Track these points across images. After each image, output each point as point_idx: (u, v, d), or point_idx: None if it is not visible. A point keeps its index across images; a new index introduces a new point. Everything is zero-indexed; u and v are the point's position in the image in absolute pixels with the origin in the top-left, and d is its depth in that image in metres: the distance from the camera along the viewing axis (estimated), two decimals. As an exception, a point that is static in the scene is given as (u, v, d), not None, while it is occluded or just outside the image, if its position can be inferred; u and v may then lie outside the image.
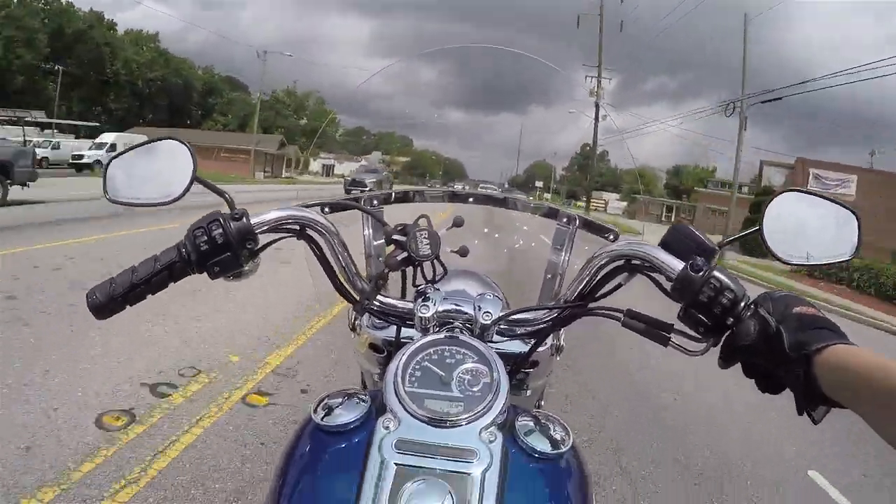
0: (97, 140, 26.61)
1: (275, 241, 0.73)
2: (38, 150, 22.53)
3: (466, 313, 0.75)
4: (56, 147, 25.21)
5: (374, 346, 0.93)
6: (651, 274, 0.68)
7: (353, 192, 1.47)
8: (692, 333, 0.63)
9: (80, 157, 24.15)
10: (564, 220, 0.97)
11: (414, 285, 0.79)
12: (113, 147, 25.08)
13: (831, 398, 0.53)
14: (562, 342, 0.96)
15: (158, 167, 0.73)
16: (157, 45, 49.24)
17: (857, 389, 0.50)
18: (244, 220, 0.66)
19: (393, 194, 0.98)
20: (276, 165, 39.35)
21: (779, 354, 0.56)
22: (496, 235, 1.19)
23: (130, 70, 44.95)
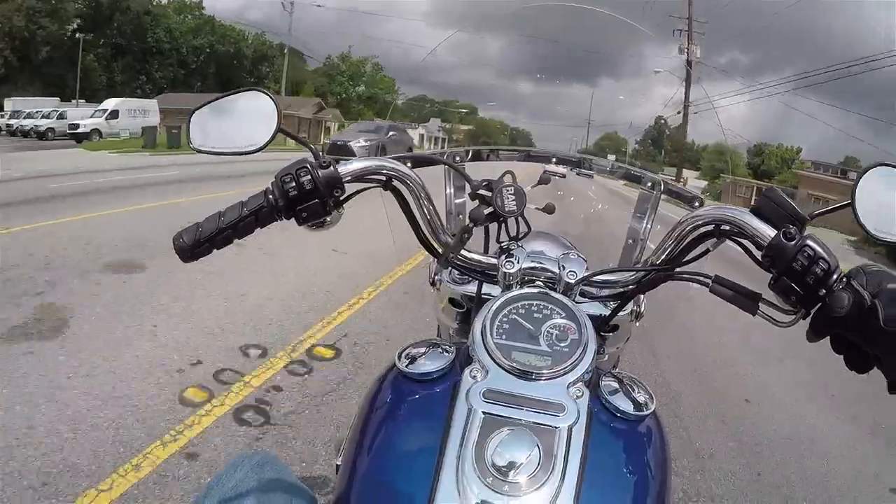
0: (99, 107, 24.86)
1: (361, 190, 0.73)
2: (44, 121, 22.79)
3: (550, 271, 0.75)
4: (62, 116, 23.83)
5: (453, 301, 0.93)
6: (741, 240, 0.67)
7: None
8: (781, 304, 0.62)
9: (76, 126, 22.41)
10: (649, 184, 0.95)
11: (497, 241, 0.78)
12: (114, 114, 23.69)
13: None
14: (642, 308, 0.95)
15: (242, 117, 0.74)
16: (202, 13, 48.41)
17: None
18: (332, 167, 0.68)
19: (470, 152, 0.97)
20: (313, 131, 38.51)
21: (873, 329, 0.54)
22: (571, 199, 1.17)
23: (174, 38, 44.63)
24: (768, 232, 0.62)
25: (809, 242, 0.59)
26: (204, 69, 47.46)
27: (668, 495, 0.62)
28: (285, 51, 40.91)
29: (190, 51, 46.28)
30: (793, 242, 0.59)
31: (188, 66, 46.94)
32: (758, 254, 0.63)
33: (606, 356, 0.95)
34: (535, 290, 0.69)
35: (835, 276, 0.58)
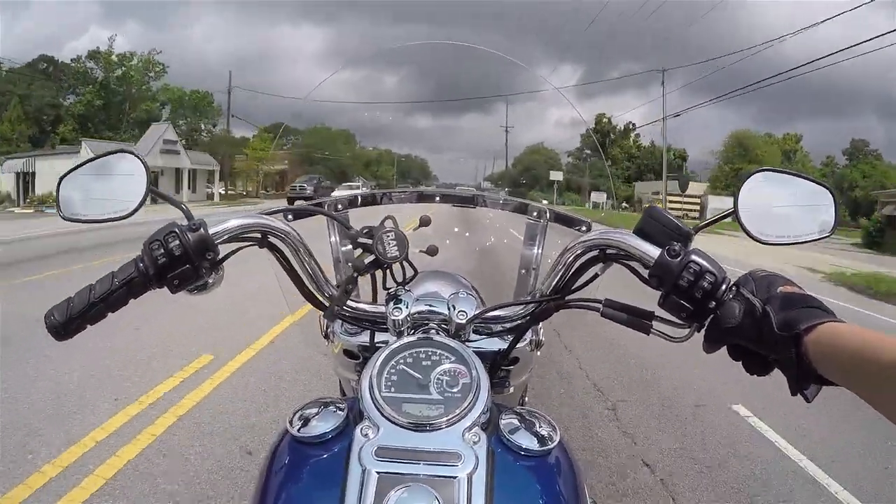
0: None
1: (236, 250, 0.71)
2: None
3: (441, 313, 0.74)
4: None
5: (349, 353, 0.91)
6: (628, 262, 0.67)
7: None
8: (674, 319, 0.62)
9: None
10: (535, 213, 0.96)
11: (385, 288, 0.77)
12: None
13: (824, 377, 0.52)
14: (541, 337, 0.95)
15: (112, 181, 0.71)
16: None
17: (849, 367, 0.49)
18: (202, 230, 0.64)
19: (360, 197, 0.95)
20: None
21: (767, 335, 0.55)
22: (467, 234, 1.17)
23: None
24: (653, 251, 0.62)
25: (694, 257, 0.59)
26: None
27: None
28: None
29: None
30: (677, 259, 0.59)
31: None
32: (646, 273, 0.63)
33: (512, 389, 0.94)
34: (417, 338, 0.67)
35: (724, 287, 0.59)
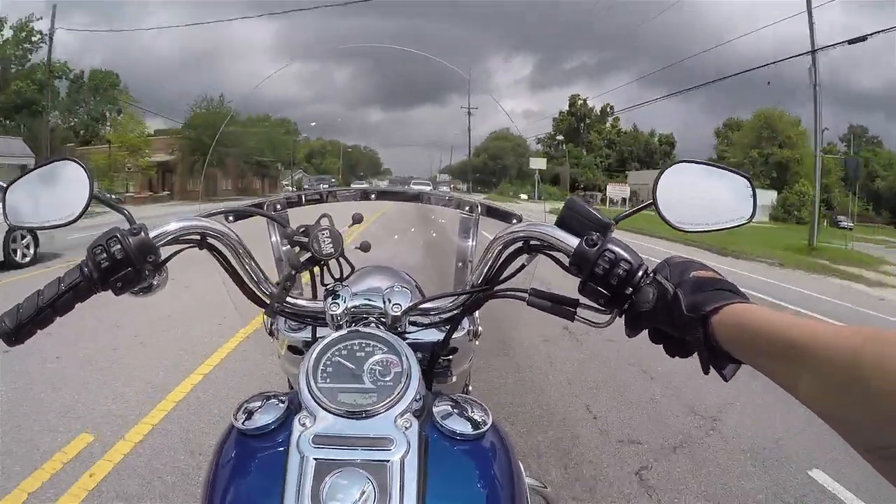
0: None
1: (176, 252, 0.73)
2: None
3: (378, 307, 0.77)
4: None
5: (293, 349, 0.94)
6: (551, 252, 0.70)
7: None
8: (596, 306, 0.65)
9: None
10: (467, 208, 0.99)
11: (323, 284, 0.80)
12: None
13: (734, 356, 0.54)
14: (478, 326, 0.98)
15: (56, 188, 0.73)
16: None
17: (754, 346, 0.51)
18: (143, 233, 0.66)
19: (302, 196, 0.98)
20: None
21: (678, 318, 0.57)
22: (412, 230, 1.20)
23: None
24: (572, 241, 0.65)
25: (610, 246, 0.62)
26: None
27: (520, 501, 0.63)
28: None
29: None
30: (594, 248, 0.62)
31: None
32: (567, 262, 0.66)
33: (454, 378, 0.97)
34: (349, 331, 0.70)
35: (640, 274, 0.61)
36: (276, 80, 1.14)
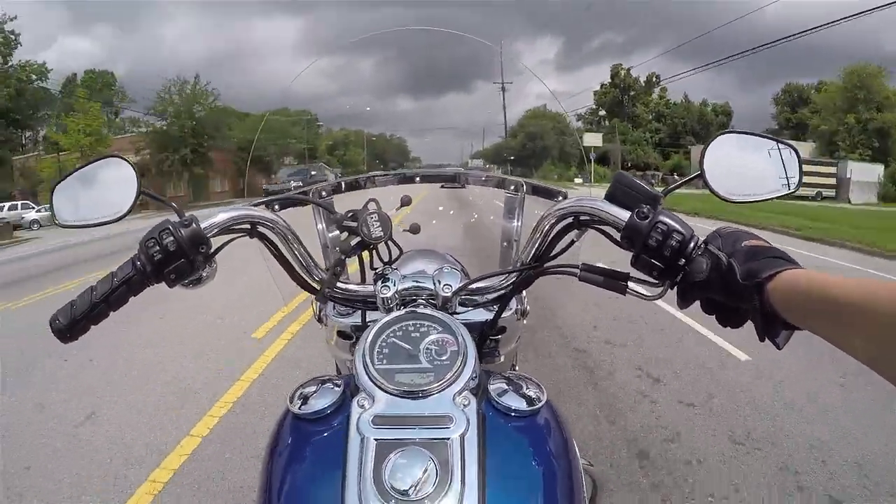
0: None
1: (227, 242, 0.73)
2: None
3: (427, 288, 0.77)
4: None
5: (342, 334, 0.94)
6: (601, 227, 0.70)
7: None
8: (648, 279, 0.65)
9: None
10: (512, 187, 0.99)
11: (372, 268, 0.80)
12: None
13: (790, 322, 0.54)
14: (526, 306, 0.98)
15: (103, 186, 0.74)
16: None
17: (810, 310, 0.51)
18: (194, 224, 0.67)
19: (343, 183, 0.98)
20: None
21: (733, 287, 0.57)
22: (451, 213, 1.20)
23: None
24: (623, 215, 0.65)
25: (661, 218, 0.62)
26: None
27: (576, 477, 0.63)
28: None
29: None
30: (646, 221, 0.62)
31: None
32: (618, 237, 0.66)
33: (502, 358, 0.97)
34: (405, 312, 0.70)
35: (692, 245, 0.61)
36: (304, 76, 1.13)
